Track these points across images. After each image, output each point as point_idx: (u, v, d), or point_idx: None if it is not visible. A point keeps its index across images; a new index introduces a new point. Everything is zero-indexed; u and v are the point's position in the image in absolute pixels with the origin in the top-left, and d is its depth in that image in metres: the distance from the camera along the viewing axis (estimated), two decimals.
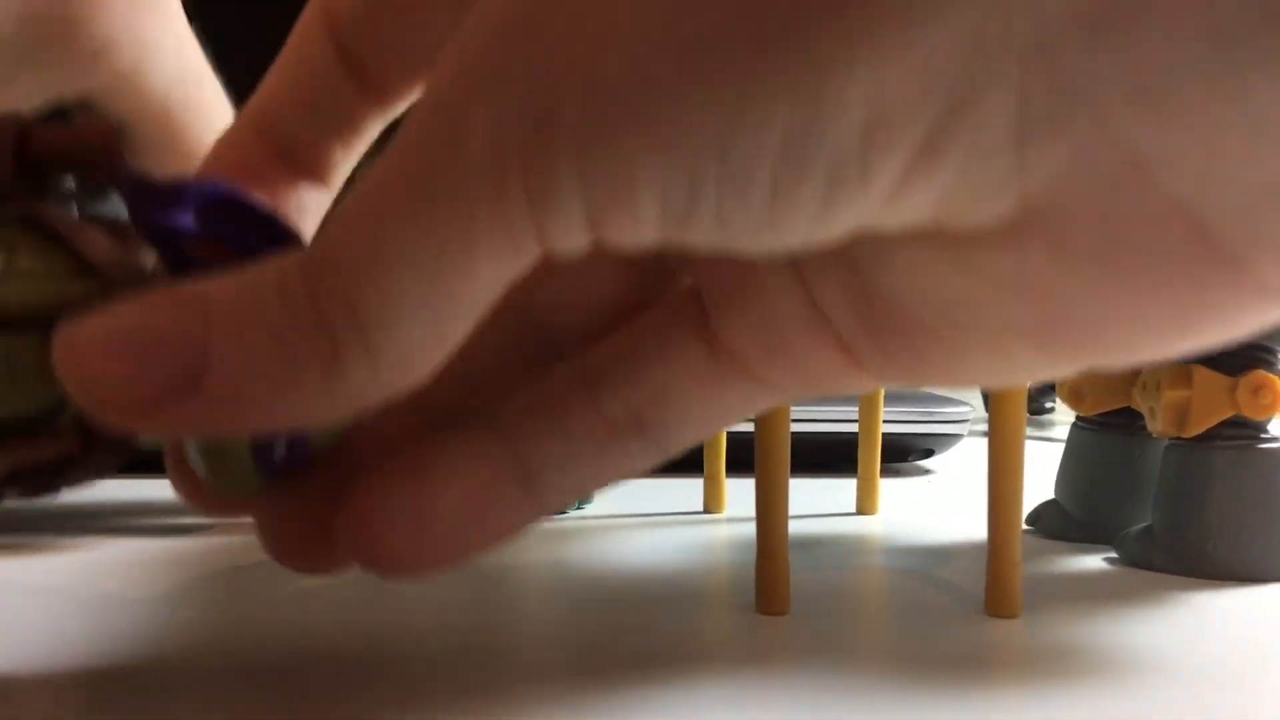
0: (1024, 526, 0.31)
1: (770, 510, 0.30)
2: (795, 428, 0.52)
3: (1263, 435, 0.34)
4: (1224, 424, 0.34)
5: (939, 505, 0.47)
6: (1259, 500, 0.34)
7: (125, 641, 0.26)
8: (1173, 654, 0.27)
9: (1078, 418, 0.40)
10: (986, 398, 0.80)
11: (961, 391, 0.67)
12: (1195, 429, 0.34)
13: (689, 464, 0.46)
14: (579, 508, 0.44)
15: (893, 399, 0.55)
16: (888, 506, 0.45)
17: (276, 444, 0.21)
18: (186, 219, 0.21)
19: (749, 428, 0.48)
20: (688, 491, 0.46)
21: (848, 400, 0.49)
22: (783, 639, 0.28)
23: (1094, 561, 0.36)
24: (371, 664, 0.25)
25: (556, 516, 0.43)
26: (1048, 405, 0.80)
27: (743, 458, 0.45)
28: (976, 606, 0.30)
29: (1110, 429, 0.39)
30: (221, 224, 0.21)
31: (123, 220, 0.22)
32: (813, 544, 0.38)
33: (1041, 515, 0.40)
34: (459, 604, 0.31)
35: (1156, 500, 0.35)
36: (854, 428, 0.46)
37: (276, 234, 0.22)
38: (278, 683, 0.24)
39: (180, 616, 0.28)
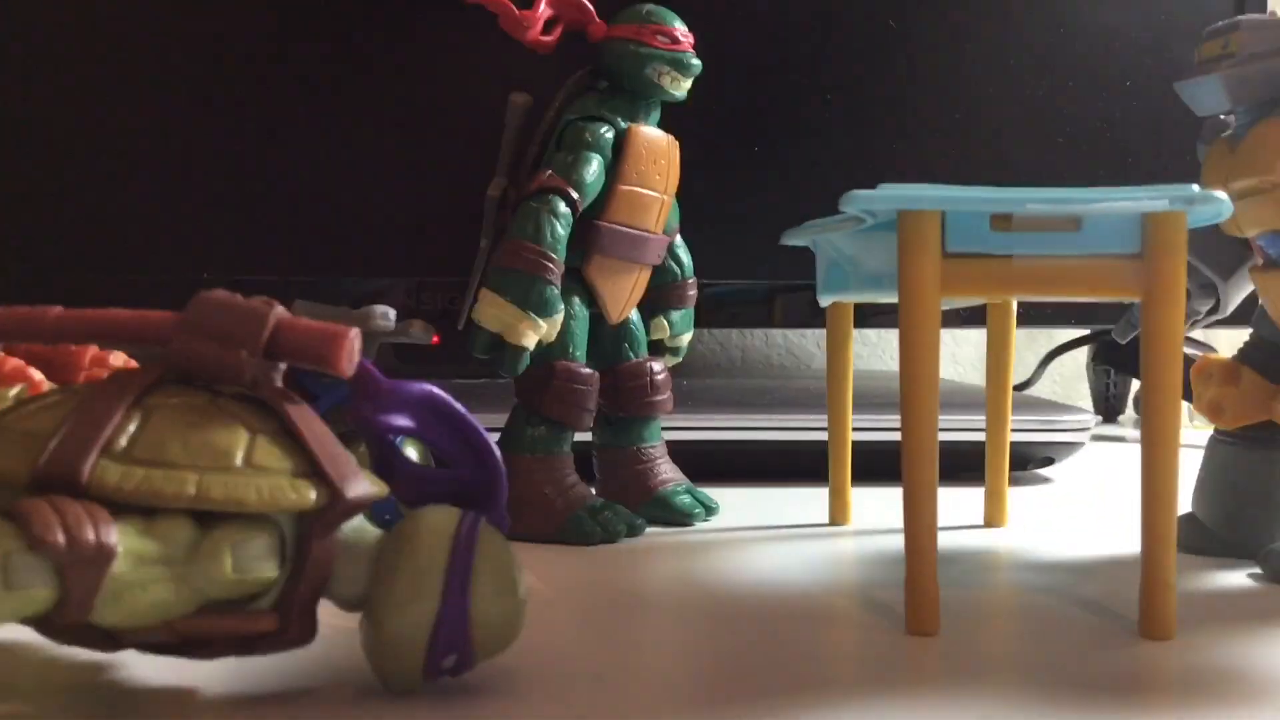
0: None
1: (918, 527, 0.29)
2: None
3: None
4: None
5: (1064, 516, 0.47)
6: None
7: None
8: None
9: (1216, 430, 0.39)
10: (1101, 406, 0.79)
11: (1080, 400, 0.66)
12: None
13: (812, 474, 0.46)
14: (705, 518, 0.44)
15: (1014, 407, 0.54)
16: (1014, 518, 0.45)
17: (449, 655, 0.23)
18: (404, 419, 0.25)
19: (872, 437, 0.48)
20: (812, 503, 0.46)
21: (973, 409, 0.49)
22: (935, 660, 0.28)
23: (1238, 578, 0.36)
24: (505, 678, 0.26)
25: (682, 529, 0.43)
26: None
27: (867, 468, 0.45)
28: (1128, 627, 0.30)
29: (1252, 443, 0.38)
30: (431, 426, 0.25)
31: (344, 411, 0.25)
32: (949, 559, 0.38)
33: (1180, 530, 0.39)
34: (596, 622, 0.31)
35: None
36: (975, 436, 0.45)
37: (475, 442, 0.25)
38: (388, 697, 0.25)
39: None
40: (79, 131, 0.63)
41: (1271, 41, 0.34)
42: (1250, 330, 0.38)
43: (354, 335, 0.23)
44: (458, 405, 0.26)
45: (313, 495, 0.22)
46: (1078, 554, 0.39)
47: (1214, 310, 0.38)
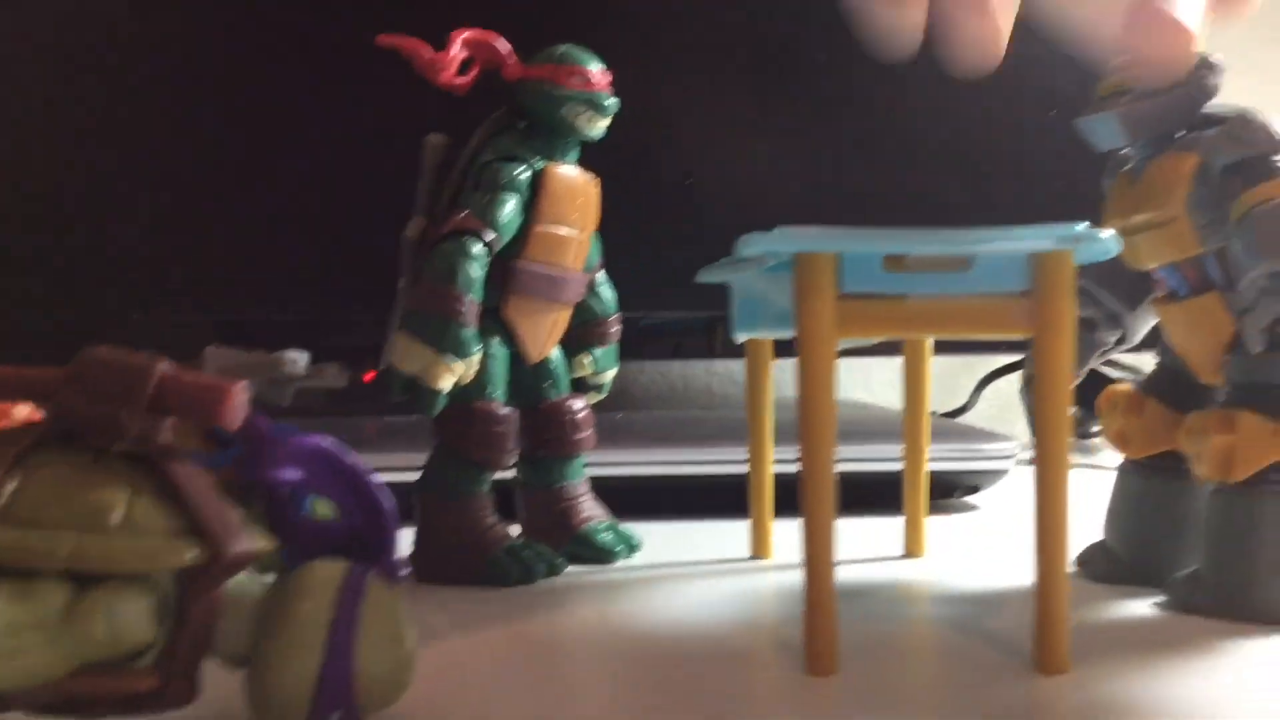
0: (1071, 568, 0.31)
1: (816, 568, 0.30)
2: (839, 467, 0.54)
3: None
4: (1271, 468, 0.34)
5: (987, 545, 0.47)
6: None
7: None
8: (1225, 706, 0.27)
9: (1125, 460, 0.40)
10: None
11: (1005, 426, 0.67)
12: (1241, 474, 0.34)
13: (735, 507, 0.46)
14: (628, 555, 0.44)
15: (936, 436, 0.55)
16: (935, 547, 0.45)
17: (334, 710, 0.23)
18: (294, 472, 0.25)
19: (793, 468, 0.49)
20: (736, 536, 0.46)
21: (892, 439, 0.49)
22: (830, 701, 0.28)
23: (1142, 607, 0.36)
24: None
25: (604, 567, 0.43)
26: (1094, 430, 0.79)
27: (790, 500, 0.46)
28: (1026, 662, 0.30)
29: (1159, 471, 0.38)
30: (323, 478, 0.25)
31: (231, 467, 0.25)
32: (860, 592, 0.39)
33: (1090, 558, 0.40)
34: (507, 665, 0.31)
35: (1204, 546, 0.35)
36: (898, 466, 0.46)
37: (366, 493, 0.25)
38: None
39: None
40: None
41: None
42: (1155, 359, 0.39)
43: (239, 389, 0.23)
44: (349, 456, 0.26)
45: (191, 554, 0.22)
46: (991, 585, 0.40)
47: (1121, 340, 0.39)
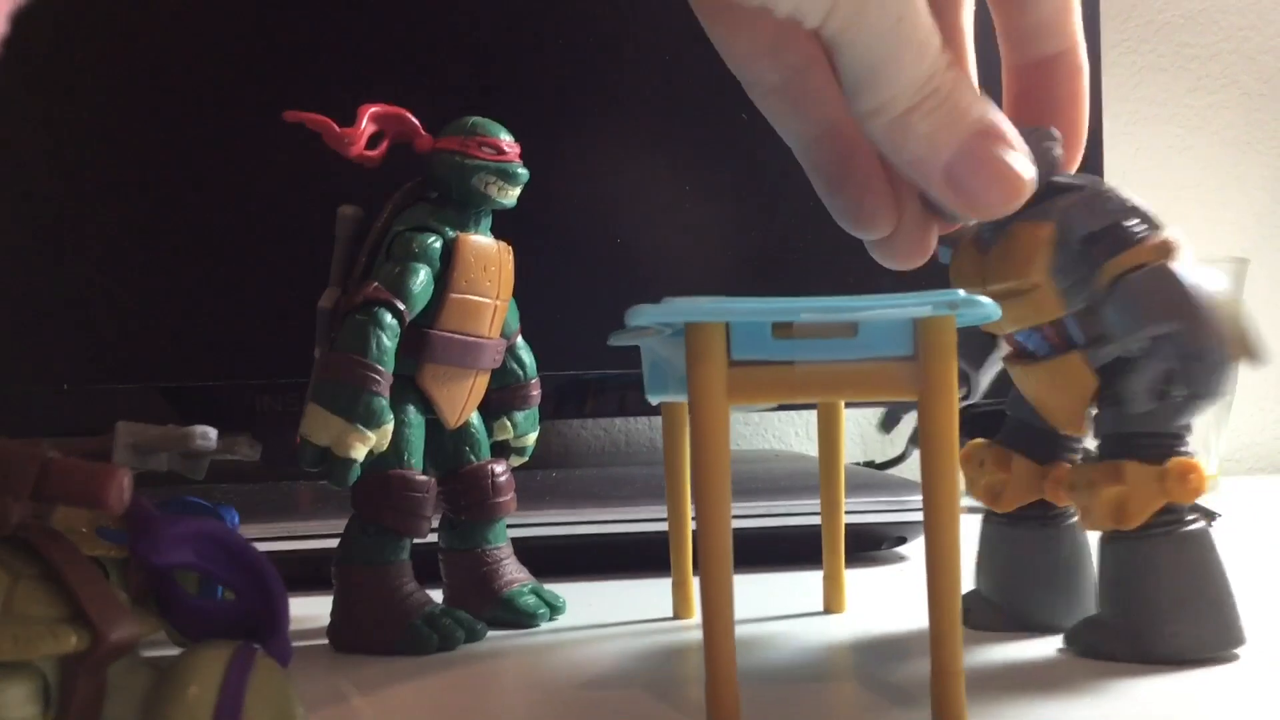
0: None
1: (714, 629, 0.30)
2: (767, 521, 0.54)
3: (1188, 518, 0.36)
4: (1159, 512, 0.35)
5: (909, 596, 0.48)
6: (1202, 579, 0.35)
7: None
8: None
9: (989, 512, 0.41)
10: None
11: None
12: (1136, 520, 0.35)
13: (663, 565, 0.47)
14: (551, 618, 0.44)
15: (862, 488, 0.56)
16: (857, 600, 0.46)
17: None
18: (182, 554, 0.25)
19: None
20: (662, 595, 0.46)
21: (813, 494, 0.50)
22: None
23: (1035, 651, 0.37)
24: None
25: (526, 630, 0.43)
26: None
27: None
28: (927, 714, 0.31)
29: (1026, 521, 0.40)
30: (212, 559, 0.25)
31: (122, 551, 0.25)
32: (772, 648, 0.39)
33: (971, 609, 0.40)
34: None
35: (1102, 592, 0.37)
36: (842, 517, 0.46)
37: (256, 571, 0.25)
38: None
39: None
40: None
41: None
42: (1007, 414, 0.41)
43: (122, 474, 0.24)
44: (237, 536, 0.26)
45: (73, 640, 0.22)
46: (906, 637, 0.40)
47: (967, 396, 0.40)
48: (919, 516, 0.55)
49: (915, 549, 0.59)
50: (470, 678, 0.37)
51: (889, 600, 0.47)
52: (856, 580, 0.46)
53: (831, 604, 0.45)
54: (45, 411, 0.65)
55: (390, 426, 0.40)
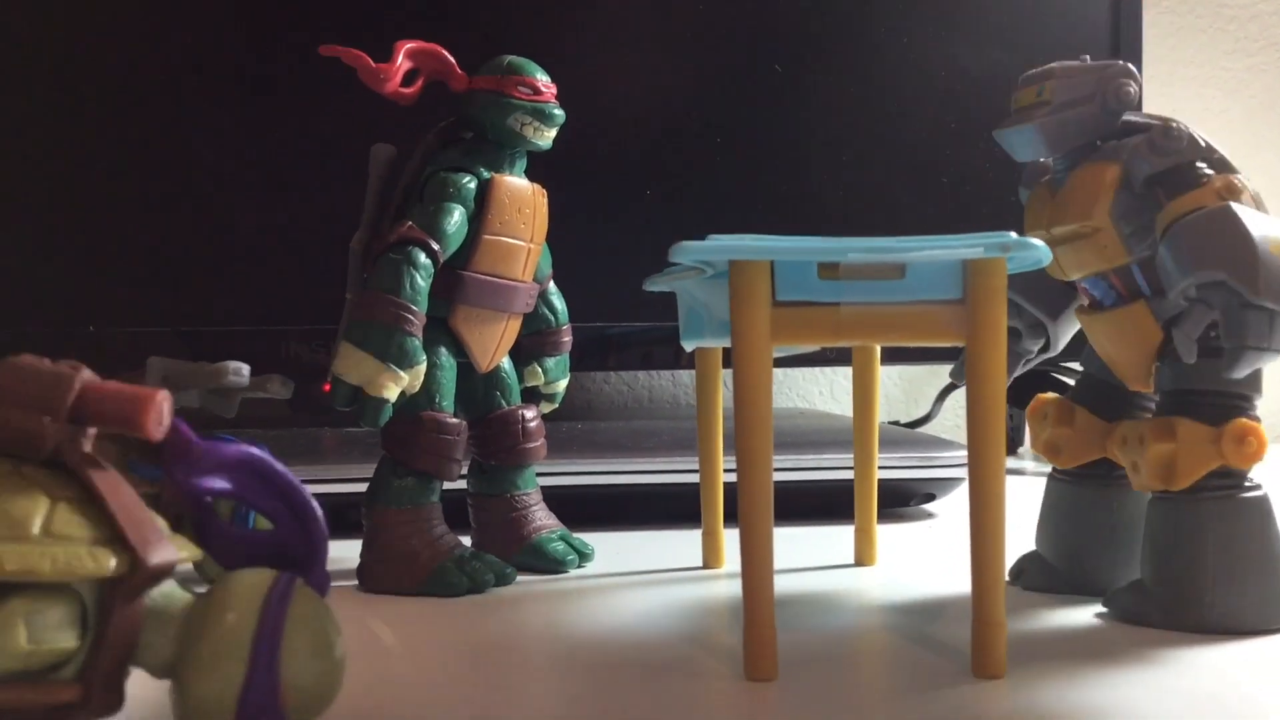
0: (1006, 580, 0.31)
1: (754, 573, 0.30)
2: (794, 476, 0.54)
3: (1246, 484, 0.34)
4: (1210, 475, 0.34)
5: (939, 552, 0.47)
6: (1253, 550, 0.34)
7: None
8: (1158, 713, 0.27)
9: (1054, 470, 0.40)
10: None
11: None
12: (1184, 481, 0.34)
13: (688, 517, 0.47)
14: (579, 565, 0.44)
15: (892, 445, 0.55)
16: (887, 555, 0.45)
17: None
18: (219, 482, 0.25)
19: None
20: (690, 546, 0.46)
21: (846, 448, 0.50)
22: (769, 706, 0.28)
23: (1083, 616, 0.36)
24: None
25: (554, 576, 0.43)
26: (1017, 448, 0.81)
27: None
28: (963, 666, 0.30)
29: (1089, 480, 0.39)
30: (250, 488, 0.25)
31: (158, 476, 0.24)
32: (807, 600, 0.39)
33: (1025, 569, 0.40)
34: (451, 676, 0.31)
35: (1145, 555, 0.35)
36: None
37: (295, 502, 0.25)
38: None
39: None
40: None
41: (1084, 89, 0.35)
42: (1080, 369, 0.39)
43: (162, 398, 0.23)
44: (278, 465, 0.26)
45: (112, 563, 0.22)
46: (938, 591, 0.40)
47: (1045, 349, 0.39)
48: (949, 473, 0.55)
49: (942, 506, 0.58)
50: (500, 621, 0.37)
51: (918, 555, 0.47)
52: (885, 535, 0.46)
53: (862, 556, 0.44)
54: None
55: (423, 367, 0.40)
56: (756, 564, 0.30)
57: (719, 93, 0.67)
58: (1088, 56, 0.36)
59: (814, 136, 0.67)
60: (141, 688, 0.24)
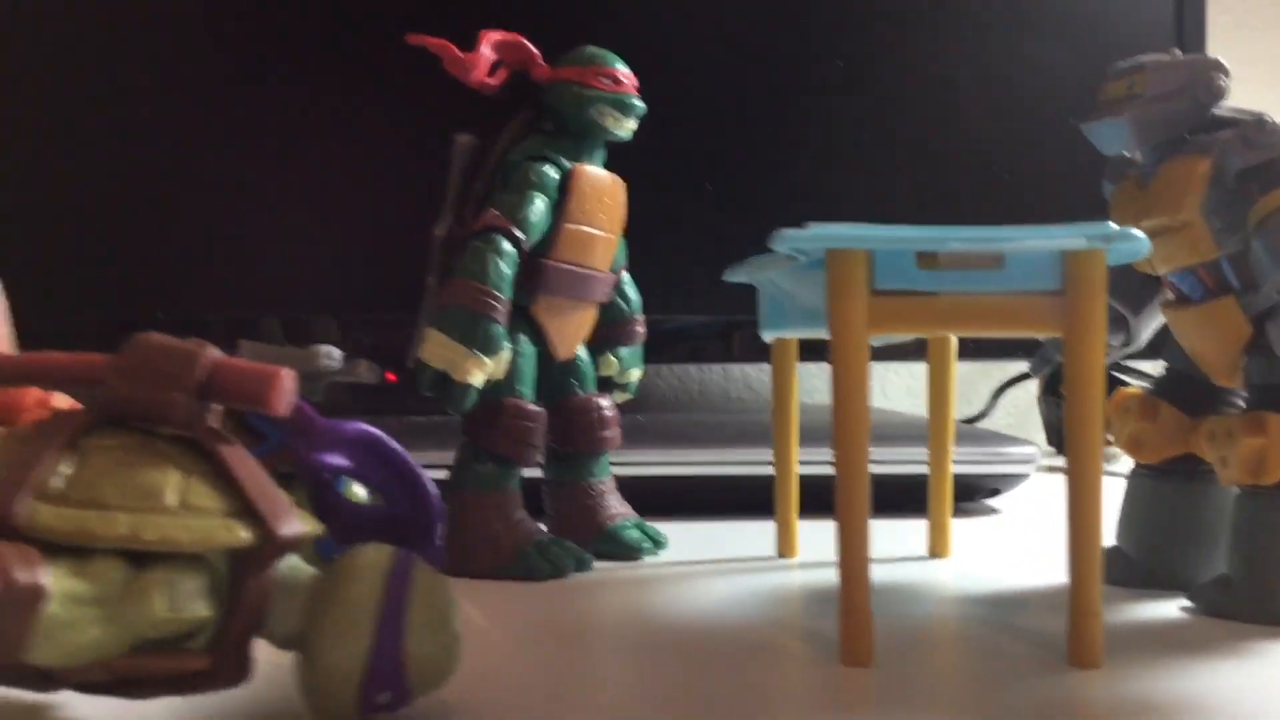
0: None
1: (851, 558, 0.30)
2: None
3: None
4: None
5: (1008, 546, 0.48)
6: None
7: None
8: (1254, 706, 0.27)
9: (1137, 465, 0.40)
10: (1054, 438, 0.80)
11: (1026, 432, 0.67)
12: (1274, 475, 0.34)
13: (760, 508, 0.47)
14: (654, 552, 0.44)
15: (960, 440, 0.55)
16: (959, 548, 0.45)
17: (383, 691, 0.23)
18: (340, 458, 0.25)
19: (820, 470, 0.49)
20: (760, 537, 0.46)
21: (916, 441, 0.50)
22: (867, 691, 0.28)
23: (1166, 609, 0.36)
24: (444, 714, 0.26)
25: (630, 563, 0.43)
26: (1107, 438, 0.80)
27: (812, 502, 0.46)
28: (1058, 656, 0.30)
29: (1173, 476, 0.38)
30: (368, 465, 0.26)
31: (273, 456, 0.25)
32: (889, 590, 0.39)
33: (1107, 563, 0.40)
34: (540, 657, 0.31)
35: (1231, 549, 0.35)
36: (920, 469, 0.46)
37: (411, 480, 0.26)
38: None
39: None
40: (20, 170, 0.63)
41: (1175, 82, 0.35)
42: (1163, 364, 0.39)
43: (288, 376, 0.24)
44: (394, 444, 0.26)
45: (245, 534, 0.22)
46: (1016, 584, 0.40)
47: (1126, 344, 0.39)
48: (1013, 469, 0.55)
49: (1007, 502, 0.58)
50: (582, 605, 0.37)
51: (989, 549, 0.47)
52: (953, 530, 0.46)
53: (937, 549, 0.45)
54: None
55: (508, 354, 0.40)
56: (854, 549, 0.30)
57: (779, 89, 0.67)
58: (1178, 50, 0.36)
59: (870, 132, 0.67)
60: (262, 660, 0.24)
